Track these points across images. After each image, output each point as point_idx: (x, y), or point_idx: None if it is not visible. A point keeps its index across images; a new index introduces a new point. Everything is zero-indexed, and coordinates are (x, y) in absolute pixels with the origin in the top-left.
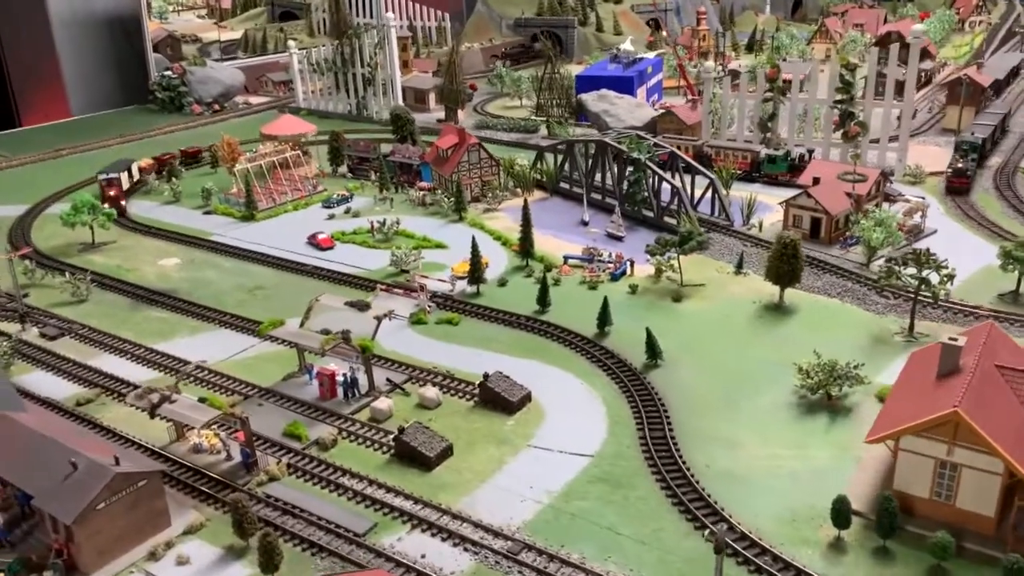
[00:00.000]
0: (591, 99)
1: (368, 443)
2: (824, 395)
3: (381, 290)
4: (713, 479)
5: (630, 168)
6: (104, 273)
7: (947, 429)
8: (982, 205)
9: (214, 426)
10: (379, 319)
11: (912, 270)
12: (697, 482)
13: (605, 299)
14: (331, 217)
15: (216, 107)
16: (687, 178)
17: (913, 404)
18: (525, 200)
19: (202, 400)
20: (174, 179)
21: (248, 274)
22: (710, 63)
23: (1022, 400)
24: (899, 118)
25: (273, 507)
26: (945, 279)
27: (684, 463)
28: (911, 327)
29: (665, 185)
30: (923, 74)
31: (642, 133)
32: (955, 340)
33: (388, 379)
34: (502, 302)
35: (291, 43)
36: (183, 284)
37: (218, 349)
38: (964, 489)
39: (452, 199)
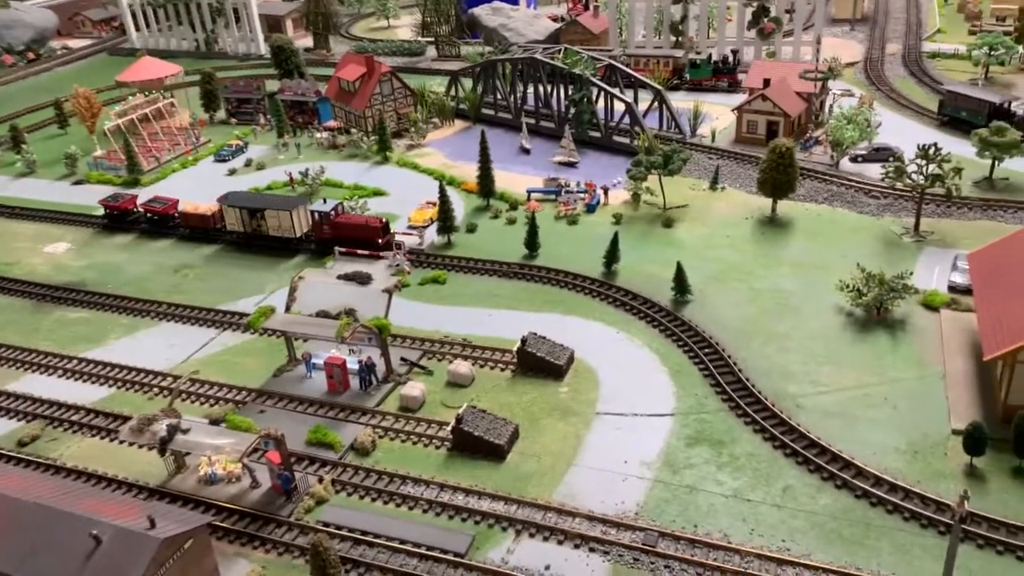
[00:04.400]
0: (485, 13)
1: (416, 439)
2: (873, 311)
3: (340, 253)
4: (810, 419)
5: (572, 86)
6: None
7: None
8: (906, 91)
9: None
10: (389, 292)
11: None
12: (798, 425)
13: (616, 235)
14: (231, 172)
15: (31, 55)
16: (628, 93)
17: (1021, 312)
18: (483, 134)
19: (216, 422)
20: (23, 146)
21: (164, 252)
22: None
23: None
24: (813, 11)
25: (342, 538)
26: (952, 173)
27: (775, 407)
28: (917, 226)
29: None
30: None
31: (569, 46)
32: None
33: (402, 359)
34: (481, 250)
35: None
36: (88, 274)
37: (171, 348)
38: None
39: (372, 138)
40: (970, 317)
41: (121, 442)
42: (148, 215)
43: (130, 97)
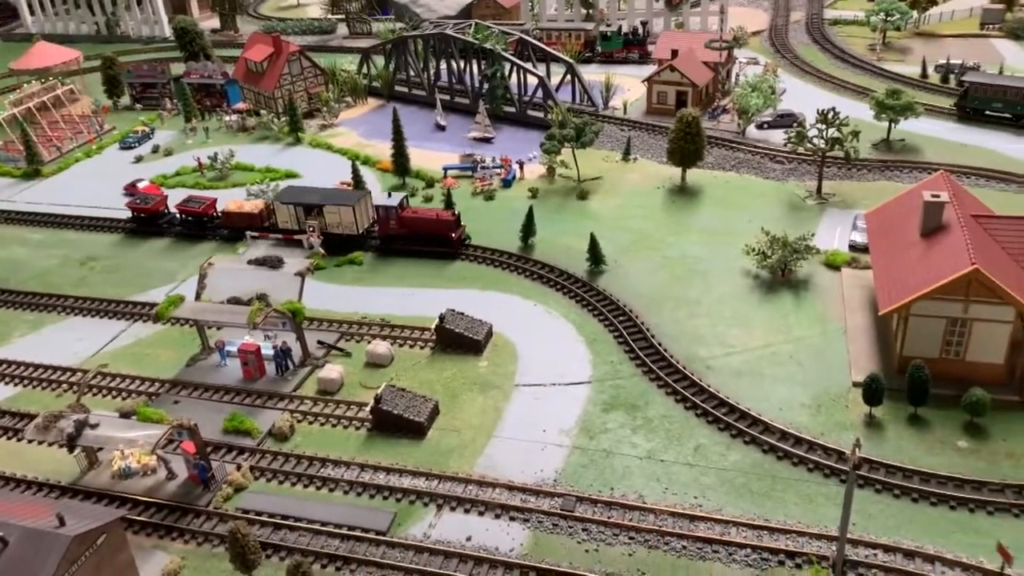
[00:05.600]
0: None
1: (335, 421)
2: (777, 272)
3: (252, 237)
4: (720, 379)
5: (484, 61)
6: None
7: (961, 287)
8: (810, 59)
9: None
10: (302, 275)
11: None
12: (708, 386)
13: (531, 209)
14: (138, 160)
15: None
16: (541, 67)
17: (912, 268)
18: (395, 112)
19: (127, 415)
20: None
21: (69, 244)
22: None
23: (1003, 246)
24: None
25: (262, 523)
26: (850, 136)
27: (686, 369)
28: (819, 189)
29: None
30: None
31: (480, 21)
32: (937, 196)
33: (319, 342)
34: None
35: None
36: None
37: (79, 343)
38: (975, 342)
39: (283, 119)
40: (869, 274)
41: (29, 441)
42: (184, 216)
43: (25, 85)
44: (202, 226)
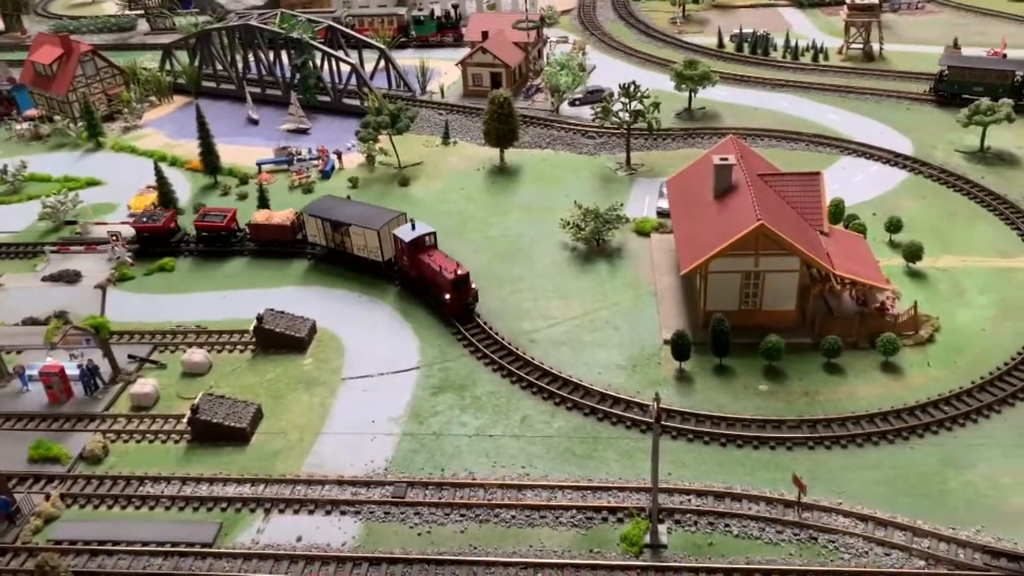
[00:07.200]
0: None
1: (152, 437)
2: (592, 242)
3: (51, 251)
4: (543, 351)
5: (294, 51)
6: None
7: (751, 242)
8: (617, 35)
9: None
10: (102, 288)
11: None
12: (532, 359)
13: (348, 198)
14: None
15: None
16: (354, 54)
17: (707, 228)
18: (198, 108)
19: None
20: None
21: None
22: None
23: (787, 200)
24: None
25: (77, 552)
26: (652, 107)
27: (511, 345)
28: (628, 160)
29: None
30: None
31: (286, 11)
32: (726, 160)
33: (130, 356)
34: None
35: None
36: None
37: None
38: (768, 293)
39: (81, 123)
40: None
41: None
42: (202, 233)
43: None
44: (225, 241)
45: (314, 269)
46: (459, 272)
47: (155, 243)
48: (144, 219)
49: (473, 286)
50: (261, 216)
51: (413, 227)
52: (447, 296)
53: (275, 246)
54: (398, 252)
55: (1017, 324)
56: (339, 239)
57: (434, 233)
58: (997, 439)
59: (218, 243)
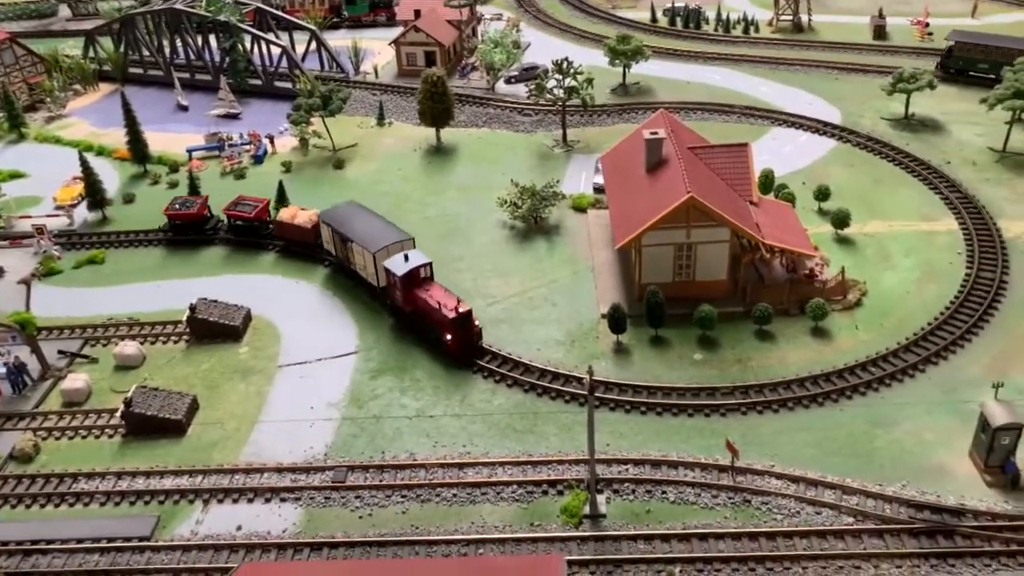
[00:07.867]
0: None
1: (86, 433)
2: (530, 220)
3: None
4: (484, 329)
5: (223, 35)
6: None
7: (682, 215)
8: (552, 11)
9: None
10: (27, 283)
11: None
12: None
13: (280, 183)
14: None
15: None
16: (284, 36)
17: (640, 203)
18: (123, 95)
19: None
20: None
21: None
22: None
23: (716, 172)
24: None
25: (9, 553)
26: (585, 84)
27: None
28: (564, 137)
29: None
30: None
31: None
32: (656, 134)
33: (60, 351)
34: (141, 221)
35: None
36: None
37: None
38: (701, 263)
39: (0, 114)
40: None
41: None
42: (234, 222)
43: None
44: (256, 233)
45: (252, 258)
46: (460, 310)
47: (188, 230)
48: (177, 206)
49: (477, 323)
50: (286, 213)
51: (407, 258)
52: (448, 336)
53: (297, 247)
54: (390, 286)
55: (940, 286)
56: (345, 252)
57: (430, 264)
58: (921, 397)
59: (249, 233)
